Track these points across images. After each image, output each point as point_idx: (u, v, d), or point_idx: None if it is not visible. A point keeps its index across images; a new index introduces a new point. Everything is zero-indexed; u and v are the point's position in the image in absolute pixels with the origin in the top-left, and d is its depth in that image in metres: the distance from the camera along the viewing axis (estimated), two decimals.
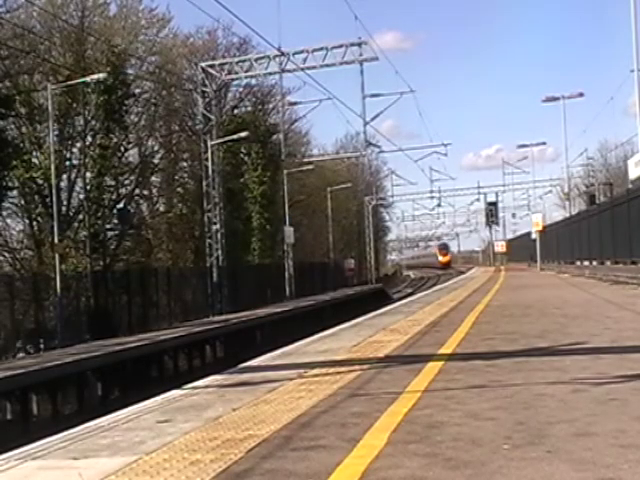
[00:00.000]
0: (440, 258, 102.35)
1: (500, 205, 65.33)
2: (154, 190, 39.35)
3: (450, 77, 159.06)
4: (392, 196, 64.01)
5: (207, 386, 6.16)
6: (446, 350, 7.53)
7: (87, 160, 30.02)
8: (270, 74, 34.80)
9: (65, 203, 30.10)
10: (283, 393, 5.52)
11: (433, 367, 6.36)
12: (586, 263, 33.58)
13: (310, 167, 44.72)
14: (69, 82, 25.19)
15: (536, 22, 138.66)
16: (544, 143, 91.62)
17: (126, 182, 33.79)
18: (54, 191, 24.16)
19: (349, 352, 7.93)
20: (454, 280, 38.67)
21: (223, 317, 27.31)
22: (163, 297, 28.74)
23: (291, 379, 6.14)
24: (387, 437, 3.93)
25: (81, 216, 30.46)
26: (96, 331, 23.04)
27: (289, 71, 33.23)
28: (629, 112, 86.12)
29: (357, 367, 6.60)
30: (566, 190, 61.81)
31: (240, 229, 38.94)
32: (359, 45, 32.53)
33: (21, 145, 28.47)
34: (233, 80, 36.81)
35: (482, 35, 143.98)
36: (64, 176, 30.24)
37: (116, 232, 32.19)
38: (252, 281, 36.04)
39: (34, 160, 28.99)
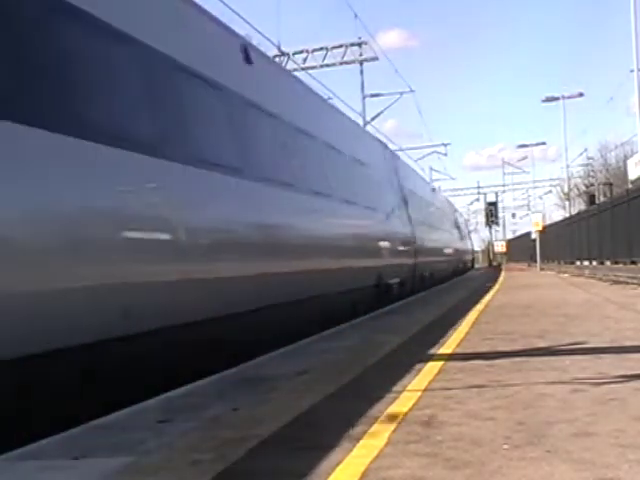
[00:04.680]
0: None
1: (500, 205, 65.42)
2: None
3: (453, 76, 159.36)
4: None
5: (207, 386, 6.16)
6: (446, 350, 7.53)
7: None
8: None
9: None
10: (283, 393, 5.52)
11: (433, 367, 6.36)
12: (586, 263, 33.62)
13: None
14: None
15: (536, 22, 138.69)
16: (544, 143, 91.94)
17: None
18: None
19: (349, 352, 7.93)
20: (453, 280, 38.68)
21: None
22: None
23: (291, 379, 6.14)
24: (387, 437, 3.94)
25: None
26: None
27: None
28: (630, 112, 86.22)
29: (357, 367, 6.60)
30: (566, 190, 61.90)
31: None
32: (359, 45, 32.58)
33: None
34: None
35: (484, 34, 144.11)
36: None
37: None
38: None
39: None
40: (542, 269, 41.99)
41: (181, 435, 4.26)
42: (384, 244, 16.64)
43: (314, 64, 31.44)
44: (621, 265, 25.23)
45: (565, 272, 34.21)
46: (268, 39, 21.13)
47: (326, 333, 10.39)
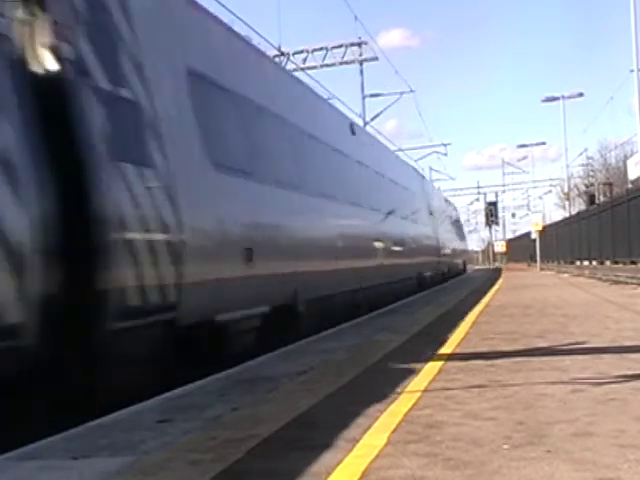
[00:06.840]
0: None
1: (500, 205, 65.36)
2: None
3: (455, 75, 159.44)
4: None
5: (207, 386, 6.16)
6: (446, 350, 7.54)
7: None
8: None
9: None
10: (283, 393, 5.52)
11: (433, 367, 6.37)
12: (586, 263, 33.60)
13: None
14: None
15: (537, 22, 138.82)
16: (544, 143, 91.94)
17: None
18: None
19: (349, 352, 7.93)
20: (453, 280, 38.68)
21: None
22: None
23: (291, 379, 6.14)
24: (387, 437, 3.94)
25: None
26: None
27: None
28: (632, 111, 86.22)
29: (357, 367, 6.60)
30: (566, 190, 61.86)
31: None
32: (359, 45, 32.56)
33: None
34: None
35: (484, 34, 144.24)
36: None
37: None
38: None
39: None
40: (542, 269, 42.01)
41: (181, 435, 4.26)
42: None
43: (314, 64, 31.44)
44: (621, 265, 25.22)
45: (565, 272, 34.21)
46: (267, 40, 21.18)
47: (326, 333, 10.39)
